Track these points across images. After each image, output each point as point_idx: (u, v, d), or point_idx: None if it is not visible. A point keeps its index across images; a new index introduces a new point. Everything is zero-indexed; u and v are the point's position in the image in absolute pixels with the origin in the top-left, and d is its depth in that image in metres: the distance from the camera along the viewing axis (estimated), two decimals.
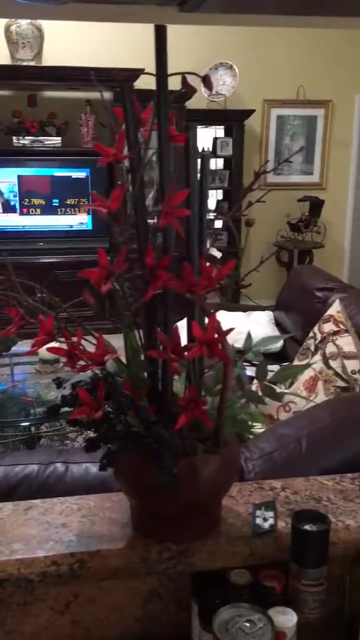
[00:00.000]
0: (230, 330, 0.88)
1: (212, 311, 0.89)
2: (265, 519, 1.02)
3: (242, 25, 0.86)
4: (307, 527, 0.93)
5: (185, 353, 0.88)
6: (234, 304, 4.47)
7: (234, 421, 0.95)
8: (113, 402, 0.91)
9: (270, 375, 1.04)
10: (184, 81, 0.86)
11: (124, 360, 0.96)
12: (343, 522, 1.02)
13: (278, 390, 2.53)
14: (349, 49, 5.91)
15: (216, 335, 0.88)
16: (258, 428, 2.26)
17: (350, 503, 1.08)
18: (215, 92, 5.67)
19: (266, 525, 1.00)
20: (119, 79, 0.86)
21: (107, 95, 5.08)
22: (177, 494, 0.90)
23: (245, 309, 4.09)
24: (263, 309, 4.06)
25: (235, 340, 3.26)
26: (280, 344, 3.68)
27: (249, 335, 0.99)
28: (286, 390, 2.54)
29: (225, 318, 4.13)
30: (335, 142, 6.30)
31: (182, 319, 0.95)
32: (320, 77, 5.97)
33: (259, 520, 1.01)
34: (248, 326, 3.72)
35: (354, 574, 0.94)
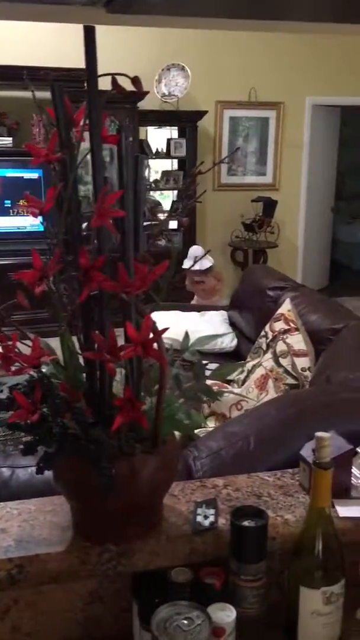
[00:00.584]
0: (165, 329, 0.89)
1: (146, 311, 0.89)
2: (206, 517, 1.03)
3: (170, 27, 0.87)
4: (245, 523, 0.95)
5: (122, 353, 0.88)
6: (188, 304, 4.49)
7: (172, 421, 0.95)
8: (49, 404, 0.90)
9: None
10: (114, 82, 0.86)
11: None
12: (282, 517, 1.04)
13: (226, 390, 2.54)
14: (300, 51, 6.00)
15: (151, 335, 0.88)
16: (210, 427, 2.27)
17: (289, 498, 1.10)
18: (167, 92, 5.68)
19: (207, 522, 1.01)
20: (49, 79, 0.85)
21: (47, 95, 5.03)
22: (115, 495, 0.90)
23: (200, 308, 4.11)
24: (217, 308, 4.09)
25: (191, 339, 3.25)
26: (234, 342, 3.72)
27: (186, 335, 1.00)
28: (234, 390, 2.56)
29: (180, 318, 4.14)
30: (287, 143, 6.40)
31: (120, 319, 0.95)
32: (272, 80, 6.05)
33: (199, 518, 1.02)
34: (202, 326, 3.75)
35: (292, 568, 0.96)
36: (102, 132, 0.90)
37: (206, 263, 4.75)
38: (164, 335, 3.26)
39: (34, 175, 5.29)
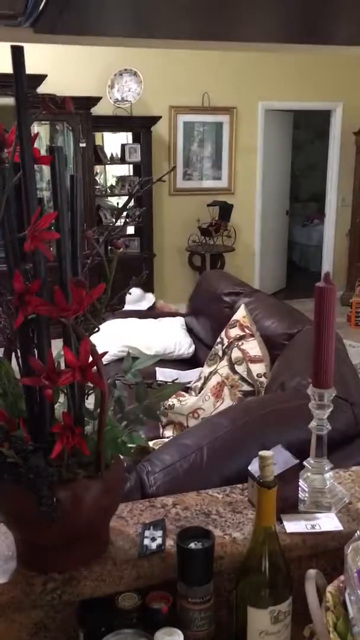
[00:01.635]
0: (104, 354, 0.87)
1: (84, 335, 0.88)
2: (153, 539, 1.01)
3: (95, 45, 0.85)
4: (191, 545, 0.94)
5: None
6: (145, 310, 4.47)
7: (115, 444, 0.94)
8: None
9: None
10: (44, 102, 0.84)
11: None
12: (230, 535, 1.04)
13: (177, 405, 2.50)
14: (252, 57, 6.06)
15: (90, 360, 0.87)
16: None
17: (237, 515, 1.09)
18: (121, 98, 5.66)
19: (154, 545, 1.00)
20: None
21: (9, 101, 4.95)
22: (58, 524, 0.88)
23: (156, 315, 4.10)
24: (174, 315, 4.08)
25: (149, 347, 3.25)
26: (192, 349, 3.72)
27: (128, 355, 0.98)
28: (174, 410, 2.54)
29: (137, 325, 4.11)
30: (241, 147, 6.45)
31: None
32: (225, 85, 6.09)
33: (147, 541, 1.01)
34: (159, 332, 3.74)
35: (239, 588, 0.95)
36: (34, 153, 0.88)
37: (145, 304, 4.83)
38: (121, 343, 3.25)
39: None
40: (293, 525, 1.05)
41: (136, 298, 4.85)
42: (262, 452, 0.92)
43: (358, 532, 0.89)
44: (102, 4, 0.63)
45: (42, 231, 0.85)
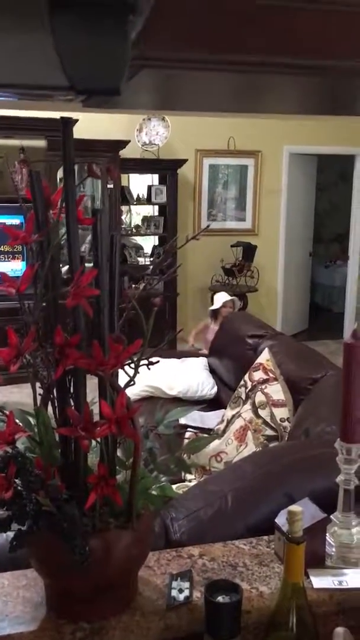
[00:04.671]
0: (139, 407, 0.90)
1: (121, 388, 0.91)
2: (181, 590, 1.02)
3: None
4: (219, 598, 0.95)
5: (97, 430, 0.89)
6: (169, 350, 4.50)
7: (146, 495, 0.96)
8: (22, 481, 0.91)
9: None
10: (90, 168, 0.90)
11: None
12: (257, 589, 1.04)
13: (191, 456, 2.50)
14: None
15: (126, 412, 0.90)
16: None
17: (264, 568, 1.10)
18: (148, 141, 5.82)
19: (181, 597, 1.01)
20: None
21: (41, 143, 5.13)
22: (89, 572, 0.90)
23: (180, 355, 4.13)
24: (197, 355, 4.11)
25: (171, 387, 3.28)
26: (214, 390, 3.73)
27: (160, 409, 1.01)
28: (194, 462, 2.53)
29: (159, 364, 4.15)
30: (265, 189, 6.55)
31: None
32: (250, 129, 6.22)
33: (174, 592, 1.02)
34: (182, 372, 3.76)
35: None
36: (78, 214, 0.93)
37: (221, 298, 4.92)
38: (144, 383, 3.29)
39: (15, 221, 5.34)
40: (320, 581, 1.05)
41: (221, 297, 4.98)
42: (291, 507, 0.94)
43: None
44: (136, 91, 0.69)
45: (84, 288, 0.90)
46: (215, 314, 4.86)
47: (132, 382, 0.94)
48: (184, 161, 5.92)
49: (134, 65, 0.57)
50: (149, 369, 0.92)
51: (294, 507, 0.93)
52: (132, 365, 0.94)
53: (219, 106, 0.91)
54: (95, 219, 0.91)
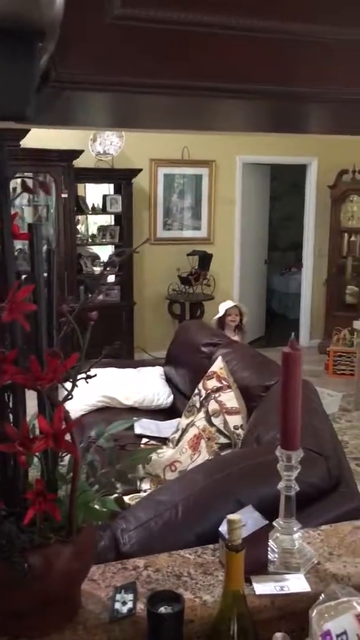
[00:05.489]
0: (77, 421, 0.90)
1: (58, 402, 0.91)
2: (124, 603, 1.03)
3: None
4: (161, 609, 0.95)
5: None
6: (126, 360, 4.49)
7: (87, 509, 0.96)
8: None
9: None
10: (24, 184, 0.90)
11: None
12: (200, 598, 1.05)
13: (154, 457, 2.51)
14: None
15: (64, 426, 0.90)
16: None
17: (209, 577, 1.11)
18: (102, 151, 5.81)
19: (124, 609, 1.01)
20: None
21: None
22: (29, 588, 0.90)
23: (136, 364, 4.13)
24: (153, 364, 4.11)
25: (127, 397, 3.26)
26: (170, 399, 3.74)
27: (100, 423, 1.02)
28: (152, 463, 2.54)
29: (116, 375, 4.11)
30: (220, 198, 6.63)
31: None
32: (204, 139, 6.29)
33: (117, 605, 1.02)
34: (137, 382, 3.75)
35: None
36: (14, 229, 0.93)
37: (220, 311, 4.89)
38: (100, 393, 3.27)
39: None
40: (262, 587, 1.07)
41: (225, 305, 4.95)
42: (230, 516, 0.95)
43: (323, 595, 0.91)
44: (86, 109, 0.70)
45: (20, 303, 0.89)
46: (221, 323, 4.83)
47: (70, 397, 0.94)
48: (139, 171, 5.94)
49: (55, 86, 0.58)
50: (87, 382, 0.92)
51: (233, 516, 0.95)
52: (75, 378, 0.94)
53: (156, 124, 0.93)
54: (31, 234, 0.91)
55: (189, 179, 6.51)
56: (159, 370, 3.99)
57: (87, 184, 6.17)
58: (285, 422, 1.13)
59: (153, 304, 6.45)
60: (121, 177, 5.93)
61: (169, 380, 3.91)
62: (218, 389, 2.86)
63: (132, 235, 6.06)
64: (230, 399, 2.77)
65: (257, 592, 1.06)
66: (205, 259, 6.33)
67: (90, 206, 6.06)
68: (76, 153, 5.46)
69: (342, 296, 6.86)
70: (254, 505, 1.26)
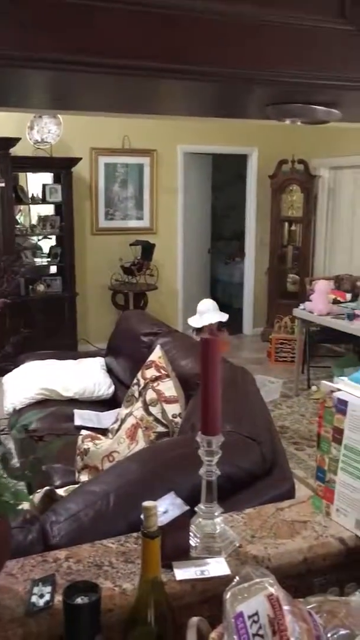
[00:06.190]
0: None
1: None
2: (41, 595, 1.01)
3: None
4: (78, 600, 0.94)
5: None
6: (66, 352, 4.43)
7: None
8: None
9: None
10: None
11: None
12: (120, 587, 1.04)
13: (92, 449, 2.48)
14: None
15: None
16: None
17: (130, 565, 1.10)
18: (40, 139, 5.69)
19: (41, 602, 0.99)
20: None
21: None
22: None
23: (76, 356, 4.08)
24: (94, 355, 4.08)
25: (67, 389, 3.22)
26: (111, 390, 3.71)
27: (14, 412, 0.99)
28: (89, 455, 2.52)
29: (56, 366, 4.05)
30: (162, 188, 6.60)
31: None
32: (144, 128, 6.24)
33: (34, 598, 1.00)
34: (78, 373, 3.71)
35: (126, 639, 0.96)
36: None
37: (209, 318, 4.22)
38: (39, 386, 3.22)
39: None
40: (182, 573, 1.07)
41: (206, 307, 4.30)
42: (145, 503, 0.95)
43: (237, 577, 0.92)
44: (25, 91, 0.67)
45: None
46: (199, 332, 4.23)
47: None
48: (79, 159, 5.85)
49: None
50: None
51: (148, 503, 0.94)
52: None
53: (106, 106, 0.91)
54: None
55: (131, 168, 6.45)
56: (100, 361, 3.96)
57: (28, 173, 6.04)
58: (206, 407, 1.13)
59: (96, 294, 6.39)
60: (61, 166, 5.82)
61: (110, 371, 3.88)
62: (157, 378, 2.85)
63: (73, 226, 5.97)
64: (168, 387, 2.77)
65: (178, 578, 1.06)
66: (148, 249, 6.31)
67: (30, 196, 5.94)
68: (13, 141, 5.33)
69: (284, 284, 6.96)
70: (187, 492, 1.26)
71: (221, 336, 4.27)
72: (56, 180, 5.97)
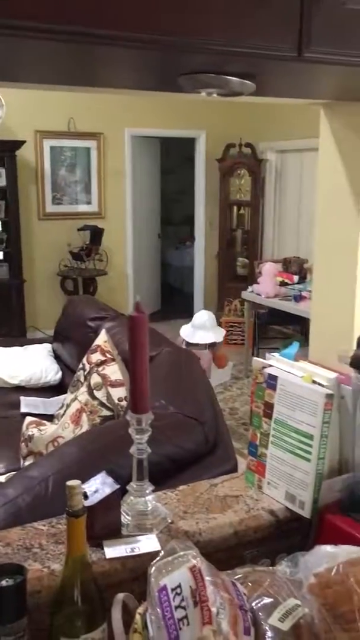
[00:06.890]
0: None
1: None
2: None
3: None
4: (2, 582, 0.92)
5: None
6: (12, 338, 4.36)
7: None
8: None
9: None
10: None
11: None
12: (49, 568, 1.03)
13: (37, 435, 2.44)
14: None
15: None
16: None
17: (60, 546, 1.09)
18: None
19: None
20: None
21: None
22: None
23: (23, 343, 4.02)
24: (41, 342, 4.02)
25: (14, 376, 3.16)
26: (59, 376, 3.68)
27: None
28: (34, 441, 2.50)
29: (1, 353, 3.98)
30: (110, 172, 6.53)
31: None
32: (91, 111, 6.15)
33: None
34: (24, 360, 3.66)
35: (54, 619, 0.95)
36: None
37: (204, 337, 3.99)
38: None
39: None
40: (112, 551, 1.07)
41: (202, 321, 4.02)
42: (68, 482, 0.94)
43: (162, 551, 0.92)
44: None
45: None
46: (189, 345, 4.06)
47: None
48: (22, 142, 5.72)
49: None
50: None
51: (71, 482, 0.93)
52: None
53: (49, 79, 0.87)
54: None
55: (78, 151, 6.35)
56: (47, 347, 3.91)
57: None
58: (134, 385, 1.12)
59: (44, 280, 6.30)
60: (3, 149, 5.68)
61: (57, 357, 3.84)
62: (102, 362, 2.83)
63: (19, 211, 5.85)
64: (114, 371, 2.76)
65: (108, 556, 1.06)
66: (96, 234, 6.24)
67: None
68: None
69: (233, 268, 7.01)
70: (127, 473, 1.25)
71: (219, 350, 4.18)
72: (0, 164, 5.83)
